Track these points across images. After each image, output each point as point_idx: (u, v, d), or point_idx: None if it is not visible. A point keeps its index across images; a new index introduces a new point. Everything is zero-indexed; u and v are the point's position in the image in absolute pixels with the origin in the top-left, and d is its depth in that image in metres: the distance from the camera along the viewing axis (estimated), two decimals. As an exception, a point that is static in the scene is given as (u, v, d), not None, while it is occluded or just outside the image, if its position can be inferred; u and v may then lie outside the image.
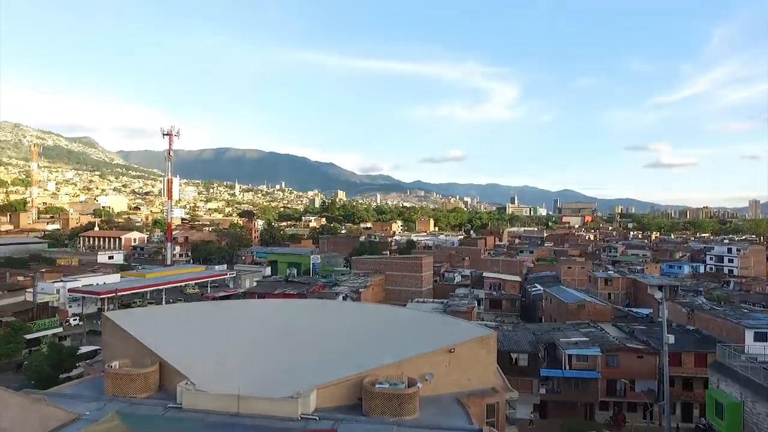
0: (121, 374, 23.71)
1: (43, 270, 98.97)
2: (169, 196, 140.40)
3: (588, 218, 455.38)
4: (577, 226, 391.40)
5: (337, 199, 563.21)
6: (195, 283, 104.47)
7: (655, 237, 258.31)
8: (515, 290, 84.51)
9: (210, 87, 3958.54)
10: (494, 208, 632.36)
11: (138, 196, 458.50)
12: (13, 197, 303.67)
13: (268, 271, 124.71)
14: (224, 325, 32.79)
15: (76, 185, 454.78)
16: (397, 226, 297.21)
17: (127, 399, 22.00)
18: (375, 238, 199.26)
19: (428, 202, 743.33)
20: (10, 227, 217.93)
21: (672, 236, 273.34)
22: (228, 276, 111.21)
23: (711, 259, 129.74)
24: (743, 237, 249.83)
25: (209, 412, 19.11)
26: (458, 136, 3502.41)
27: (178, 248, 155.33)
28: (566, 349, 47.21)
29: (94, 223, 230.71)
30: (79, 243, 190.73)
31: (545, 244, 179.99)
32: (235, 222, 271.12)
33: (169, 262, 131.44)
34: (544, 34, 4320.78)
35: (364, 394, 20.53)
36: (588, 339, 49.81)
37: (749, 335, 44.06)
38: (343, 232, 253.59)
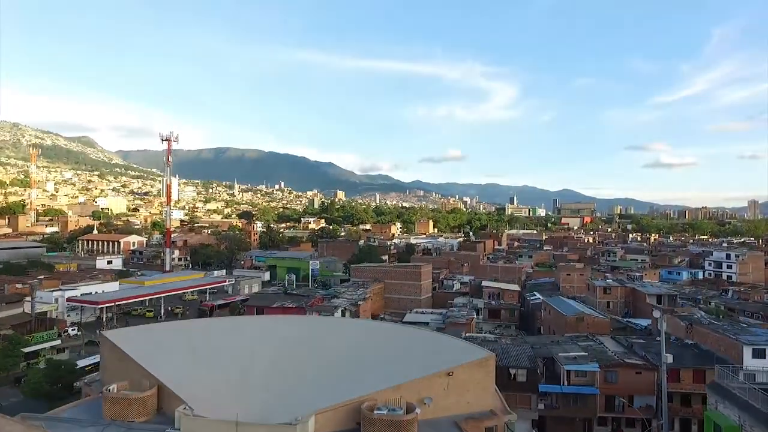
0: (119, 398, 23.73)
1: (42, 277, 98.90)
2: (168, 201, 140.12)
3: (587, 219, 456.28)
4: (576, 227, 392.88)
5: (337, 200, 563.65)
6: (194, 290, 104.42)
7: (654, 239, 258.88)
8: (514, 299, 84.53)
9: (209, 86, 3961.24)
10: (493, 208, 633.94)
11: (137, 196, 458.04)
12: (11, 199, 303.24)
13: (267, 276, 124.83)
14: (223, 345, 32.74)
15: (74, 185, 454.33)
16: (396, 228, 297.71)
17: (126, 423, 22.04)
18: (374, 241, 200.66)
19: (427, 202, 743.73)
20: (9, 230, 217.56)
21: (671, 238, 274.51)
22: (227, 283, 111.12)
23: (710, 264, 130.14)
24: (742, 240, 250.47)
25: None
26: (458, 136, 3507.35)
27: (177, 252, 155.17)
28: (565, 364, 47.23)
29: (93, 226, 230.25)
30: (78, 247, 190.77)
31: (544, 248, 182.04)
32: (234, 224, 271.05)
33: (168, 268, 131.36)
34: (543, 34, 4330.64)
35: (363, 421, 20.59)
36: (586, 354, 49.84)
37: (747, 352, 44.04)
38: (342, 234, 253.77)
